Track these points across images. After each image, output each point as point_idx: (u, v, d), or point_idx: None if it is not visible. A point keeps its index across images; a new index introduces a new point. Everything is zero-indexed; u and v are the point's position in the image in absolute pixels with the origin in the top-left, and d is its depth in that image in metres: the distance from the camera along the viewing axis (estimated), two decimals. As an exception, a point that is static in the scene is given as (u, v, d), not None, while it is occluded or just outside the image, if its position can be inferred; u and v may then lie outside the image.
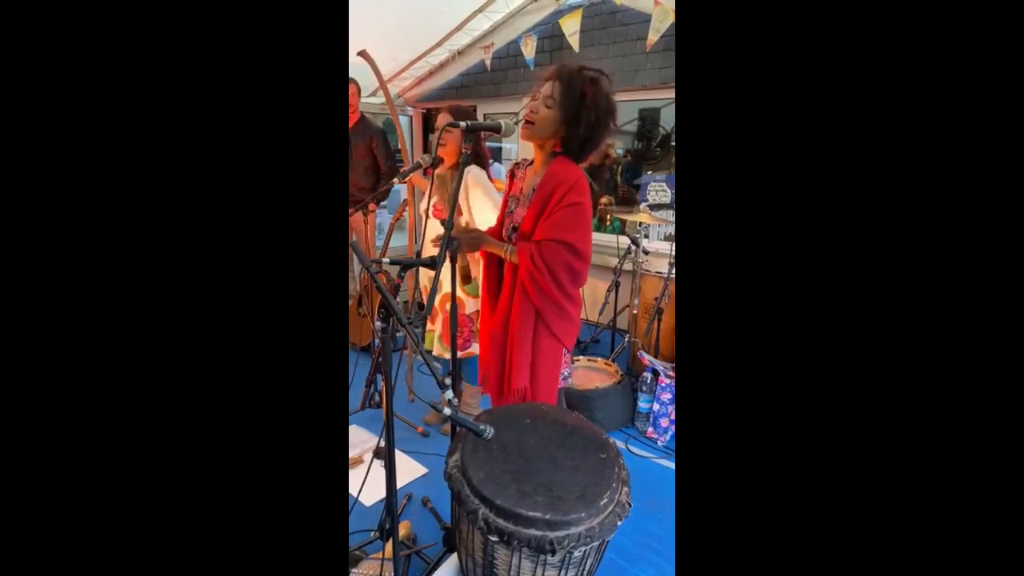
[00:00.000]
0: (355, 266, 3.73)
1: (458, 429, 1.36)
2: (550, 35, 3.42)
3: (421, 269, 2.26)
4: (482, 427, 1.01)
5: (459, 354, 2.17)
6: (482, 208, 1.95)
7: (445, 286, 1.86)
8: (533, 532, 0.98)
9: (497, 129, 1.36)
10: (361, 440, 2.28)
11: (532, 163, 1.55)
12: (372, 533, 1.65)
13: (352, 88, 3.21)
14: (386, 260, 1.30)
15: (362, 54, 2.49)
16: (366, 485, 1.54)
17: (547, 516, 0.98)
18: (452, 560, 1.34)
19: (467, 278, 1.95)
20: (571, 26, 3.07)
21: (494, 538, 1.00)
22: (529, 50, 3.37)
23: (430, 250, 1.87)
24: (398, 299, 1.18)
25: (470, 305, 2.10)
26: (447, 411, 1.00)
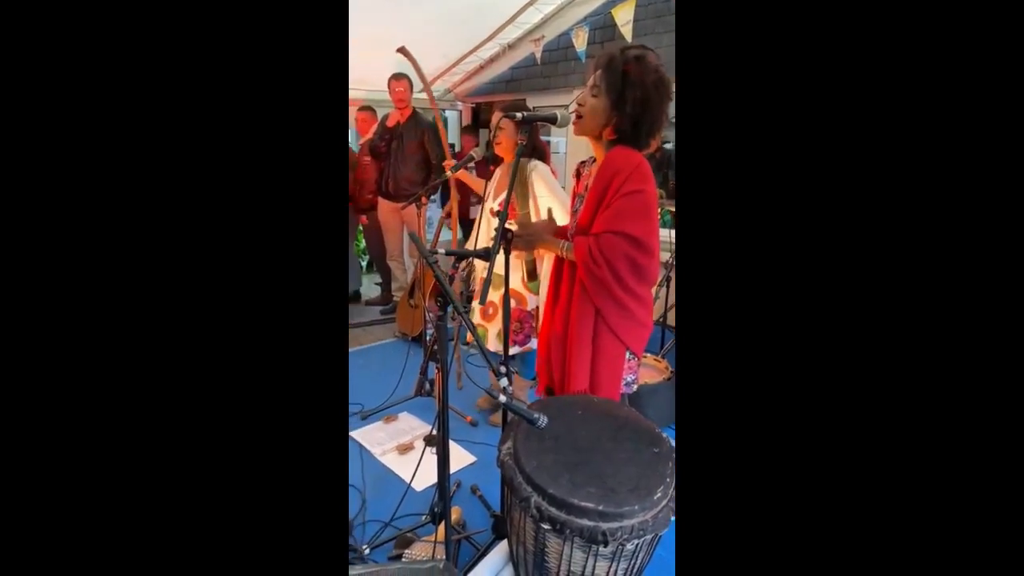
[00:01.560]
0: (406, 257, 3.82)
1: (510, 418, 1.37)
2: (602, 26, 3.37)
3: (478, 263, 2.29)
4: (535, 416, 1.02)
5: (518, 349, 2.19)
6: (550, 205, 1.93)
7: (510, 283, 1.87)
8: (586, 522, 0.98)
9: (552, 120, 1.35)
10: (412, 427, 2.34)
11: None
12: (424, 517, 1.70)
13: (404, 84, 3.27)
14: (442, 251, 1.33)
15: (401, 50, 2.51)
16: (416, 472, 1.58)
17: (600, 507, 0.98)
18: (502, 546, 1.36)
19: (532, 274, 1.94)
20: (624, 16, 3.02)
21: (546, 526, 1.01)
22: (580, 42, 3.34)
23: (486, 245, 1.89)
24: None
25: (531, 301, 2.09)
26: (502, 398, 1.01)
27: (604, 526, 0.98)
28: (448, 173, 2.21)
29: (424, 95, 2.80)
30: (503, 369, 1.07)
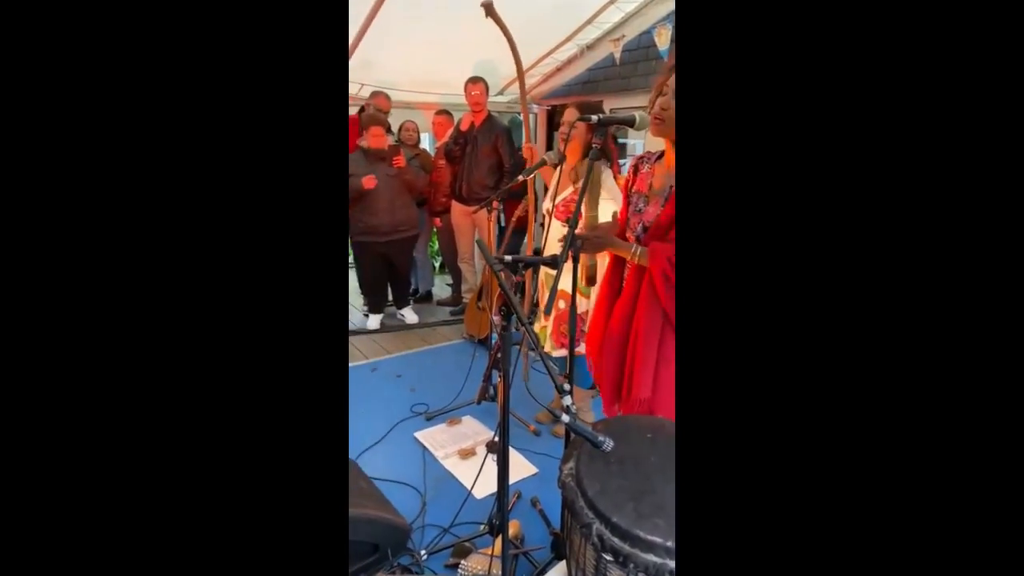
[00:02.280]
0: (476, 260, 3.84)
1: (573, 435, 1.32)
2: (686, 23, 3.21)
3: (542, 267, 2.24)
4: (601, 439, 0.95)
5: (563, 352, 2.13)
6: (607, 207, 1.89)
7: (562, 284, 1.83)
8: (652, 558, 0.90)
9: (631, 123, 1.28)
10: (475, 432, 2.33)
11: (660, 157, 1.44)
12: (482, 527, 1.68)
13: (480, 87, 3.29)
14: (508, 257, 1.29)
15: (486, 6, 2.47)
16: (477, 478, 1.56)
17: (668, 543, 0.90)
18: (560, 568, 1.30)
19: (592, 279, 1.89)
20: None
21: (608, 557, 0.94)
22: (663, 40, 3.20)
23: (554, 249, 1.84)
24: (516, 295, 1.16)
25: (581, 304, 2.04)
26: (565, 418, 0.96)
27: (672, 564, 0.89)
28: (519, 178, 2.18)
29: (500, 98, 2.79)
30: (566, 387, 1.02)
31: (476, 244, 1.05)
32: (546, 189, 2.53)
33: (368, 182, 3.15)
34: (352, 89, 4.11)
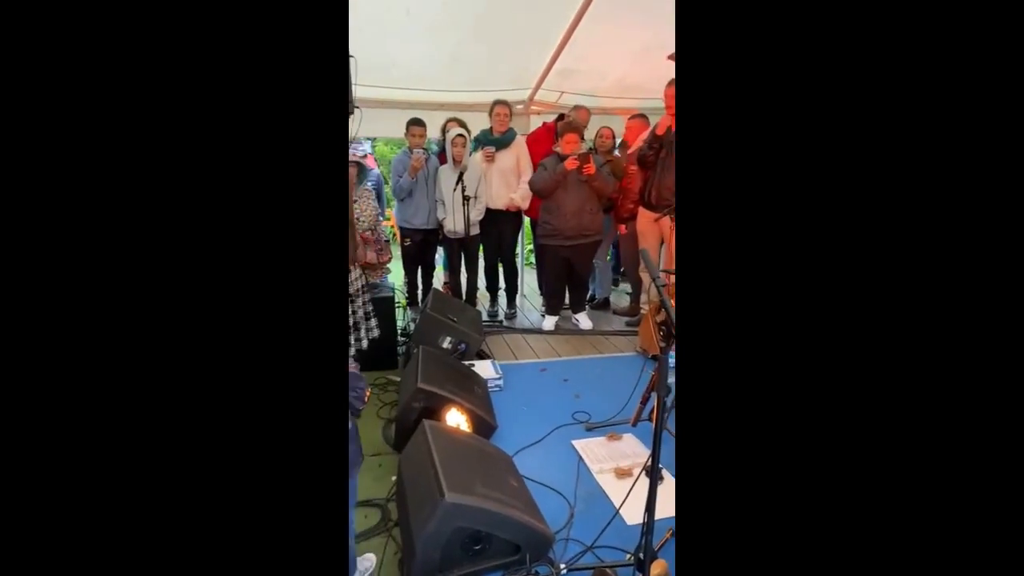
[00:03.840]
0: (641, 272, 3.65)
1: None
2: None
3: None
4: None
5: None
6: None
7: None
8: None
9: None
10: (634, 452, 2.21)
11: None
12: (627, 556, 1.57)
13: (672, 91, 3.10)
14: (673, 271, 1.18)
15: (672, 58, 2.33)
16: (630, 503, 1.46)
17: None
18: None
19: None
20: None
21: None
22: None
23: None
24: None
25: None
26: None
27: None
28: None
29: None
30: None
31: (640, 254, 0.97)
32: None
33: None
34: (551, 97, 4.26)
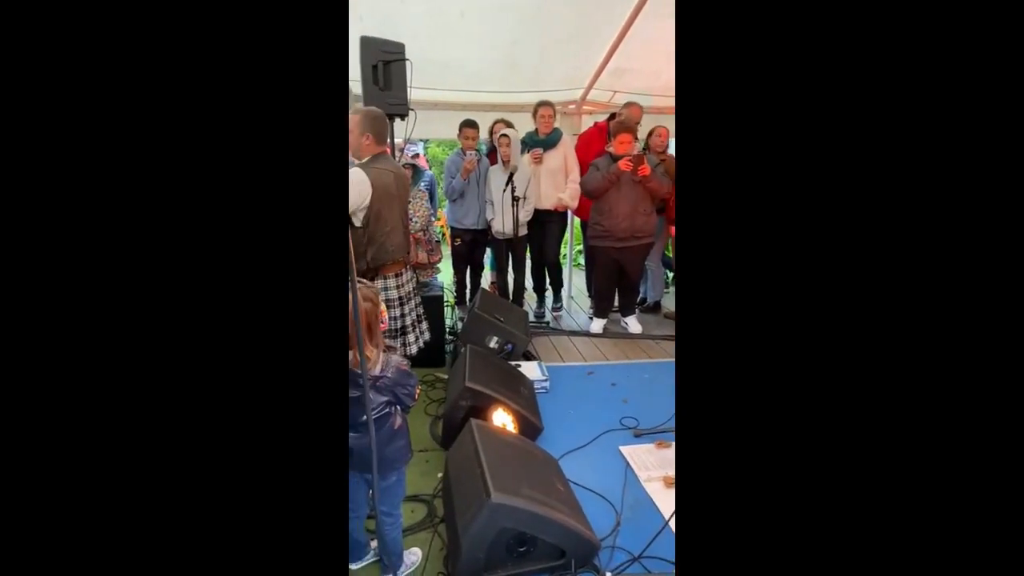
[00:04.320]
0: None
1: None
2: None
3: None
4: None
5: None
6: None
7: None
8: None
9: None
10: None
11: None
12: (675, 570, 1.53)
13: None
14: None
15: None
16: (675, 514, 1.42)
17: None
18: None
19: None
20: None
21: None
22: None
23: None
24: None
25: None
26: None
27: None
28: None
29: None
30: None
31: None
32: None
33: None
34: (604, 97, 4.20)
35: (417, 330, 2.44)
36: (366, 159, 2.20)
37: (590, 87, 4.07)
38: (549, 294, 4.02)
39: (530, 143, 3.56)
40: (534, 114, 3.54)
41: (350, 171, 2.10)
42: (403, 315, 2.34)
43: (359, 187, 2.10)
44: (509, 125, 3.52)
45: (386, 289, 2.27)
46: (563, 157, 3.55)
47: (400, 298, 2.31)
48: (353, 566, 1.65)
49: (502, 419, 2.11)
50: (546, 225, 3.66)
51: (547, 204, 3.56)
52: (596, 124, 3.95)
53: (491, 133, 3.61)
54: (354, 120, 2.15)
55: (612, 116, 3.74)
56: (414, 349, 2.40)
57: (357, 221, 2.15)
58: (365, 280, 1.73)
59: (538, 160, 3.50)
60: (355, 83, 2.87)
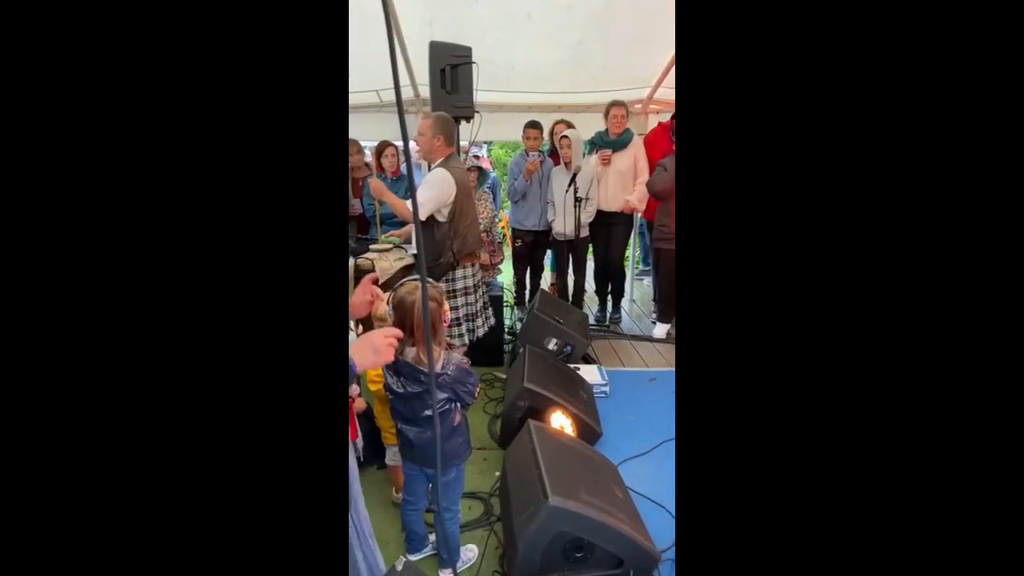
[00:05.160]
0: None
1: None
2: None
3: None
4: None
5: None
6: None
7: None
8: None
9: None
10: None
11: None
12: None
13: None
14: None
15: None
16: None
17: None
18: None
19: None
20: None
21: None
22: None
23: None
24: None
25: None
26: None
27: None
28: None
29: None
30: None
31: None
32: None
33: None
34: (671, 95, 4.08)
35: (483, 316, 2.69)
36: (440, 160, 2.37)
37: (657, 86, 3.96)
38: (611, 297, 3.95)
39: (599, 143, 3.50)
40: (606, 114, 3.47)
41: (435, 171, 2.30)
42: (476, 300, 2.58)
43: (444, 185, 2.29)
44: (570, 126, 3.48)
45: (464, 277, 2.51)
46: (632, 159, 3.47)
47: (475, 285, 2.56)
48: (412, 557, 1.69)
49: (560, 421, 2.10)
50: (612, 228, 3.59)
51: (614, 206, 3.49)
52: (660, 123, 3.85)
53: (552, 134, 3.59)
54: (426, 123, 2.32)
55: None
56: (480, 332, 2.64)
57: (442, 217, 2.38)
58: (431, 280, 1.79)
59: (606, 161, 3.44)
60: (423, 87, 2.95)
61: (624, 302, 4.05)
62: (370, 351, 1.06)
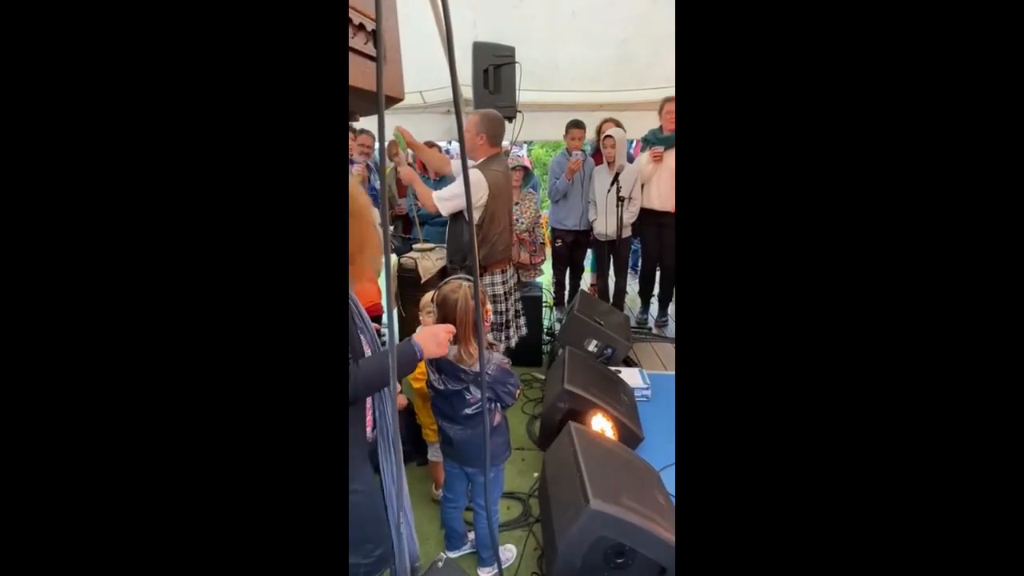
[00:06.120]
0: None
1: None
2: None
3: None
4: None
5: None
6: None
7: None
8: None
9: None
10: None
11: None
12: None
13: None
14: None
15: None
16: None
17: None
18: None
19: None
20: None
21: None
22: None
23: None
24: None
25: None
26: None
27: None
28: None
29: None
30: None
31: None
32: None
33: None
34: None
35: (515, 324, 2.56)
36: (481, 160, 2.28)
37: (704, 83, 3.86)
38: (655, 302, 3.86)
39: (652, 141, 3.40)
40: (660, 110, 3.36)
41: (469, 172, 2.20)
42: (506, 310, 2.45)
43: (475, 188, 2.18)
44: (618, 125, 3.42)
45: (492, 284, 2.38)
46: (688, 156, 3.37)
47: (504, 293, 2.42)
48: (452, 554, 1.70)
49: (601, 424, 2.07)
50: (663, 228, 3.45)
51: (667, 206, 3.36)
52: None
53: (598, 133, 3.55)
54: (472, 120, 2.25)
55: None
56: (513, 342, 2.53)
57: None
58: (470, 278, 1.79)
59: (658, 159, 3.31)
60: (466, 88, 2.98)
61: (671, 306, 3.96)
62: (433, 343, 1.13)
